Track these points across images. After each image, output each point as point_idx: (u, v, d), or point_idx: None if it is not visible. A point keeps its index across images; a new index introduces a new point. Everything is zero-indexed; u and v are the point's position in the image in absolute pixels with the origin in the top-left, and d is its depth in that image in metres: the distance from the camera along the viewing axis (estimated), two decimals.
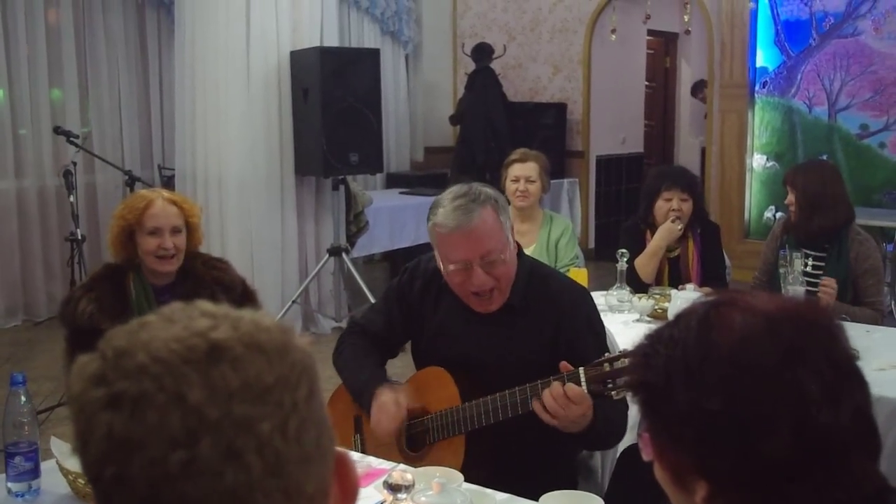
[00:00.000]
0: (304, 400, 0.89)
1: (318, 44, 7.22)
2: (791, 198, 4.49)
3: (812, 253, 4.34)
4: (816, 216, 4.32)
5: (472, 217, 2.69)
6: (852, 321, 4.06)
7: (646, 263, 4.61)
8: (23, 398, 2.45)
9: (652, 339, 1.31)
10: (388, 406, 2.75)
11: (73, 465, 2.37)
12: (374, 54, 7.52)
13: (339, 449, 0.97)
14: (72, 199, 6.41)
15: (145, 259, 3.17)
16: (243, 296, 3.31)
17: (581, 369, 2.47)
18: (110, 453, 0.84)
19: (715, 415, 1.17)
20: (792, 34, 8.81)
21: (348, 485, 0.98)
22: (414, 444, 2.88)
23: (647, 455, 1.31)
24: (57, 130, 6.84)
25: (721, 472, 1.19)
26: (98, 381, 0.86)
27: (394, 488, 2.12)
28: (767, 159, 9.13)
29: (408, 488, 2.10)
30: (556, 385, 2.47)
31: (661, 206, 4.60)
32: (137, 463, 0.83)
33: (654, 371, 1.25)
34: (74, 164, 6.73)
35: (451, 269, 2.74)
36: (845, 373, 1.22)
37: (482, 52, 9.70)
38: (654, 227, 4.70)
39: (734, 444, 1.17)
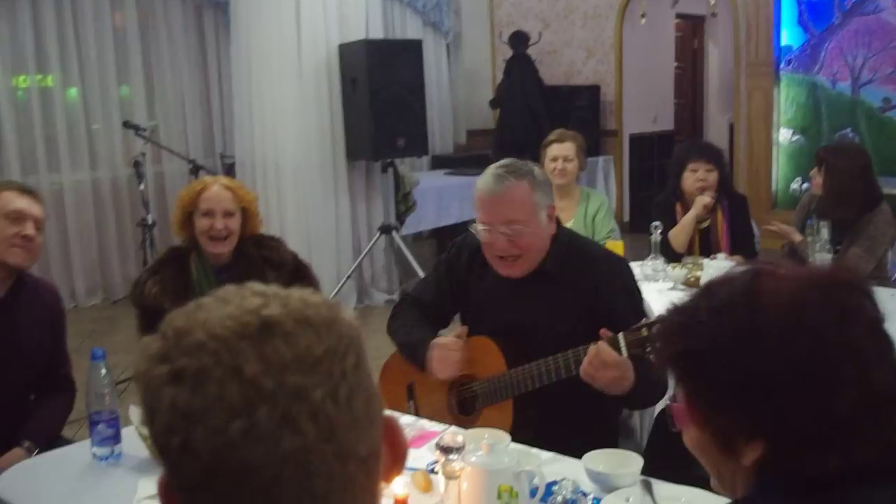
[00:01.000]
0: (352, 369, 0.89)
1: (364, 37, 7.22)
2: (816, 173, 4.45)
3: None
4: (839, 208, 4.29)
5: (502, 185, 2.73)
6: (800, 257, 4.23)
7: (678, 234, 4.61)
8: (103, 371, 2.49)
9: (685, 310, 1.28)
10: (449, 350, 2.79)
11: None
12: (416, 45, 7.52)
13: (388, 414, 0.97)
14: (142, 187, 6.48)
15: (200, 239, 3.20)
16: (295, 271, 3.32)
17: (620, 334, 2.45)
18: (175, 424, 0.85)
19: (781, 375, 1.15)
20: (815, 13, 8.68)
21: (398, 447, 0.98)
22: (464, 408, 2.90)
23: (680, 424, 1.29)
24: (126, 125, 6.91)
25: (786, 429, 1.16)
26: (161, 358, 0.87)
27: (445, 450, 2.13)
28: (793, 133, 9.03)
29: (458, 449, 2.10)
30: (591, 348, 2.46)
31: (687, 177, 4.60)
32: (200, 432, 0.83)
33: (697, 339, 1.22)
34: (143, 155, 6.80)
35: (480, 230, 2.78)
36: (884, 332, 1.22)
37: (519, 40, 9.66)
38: (683, 200, 4.69)
39: (803, 402, 1.15)
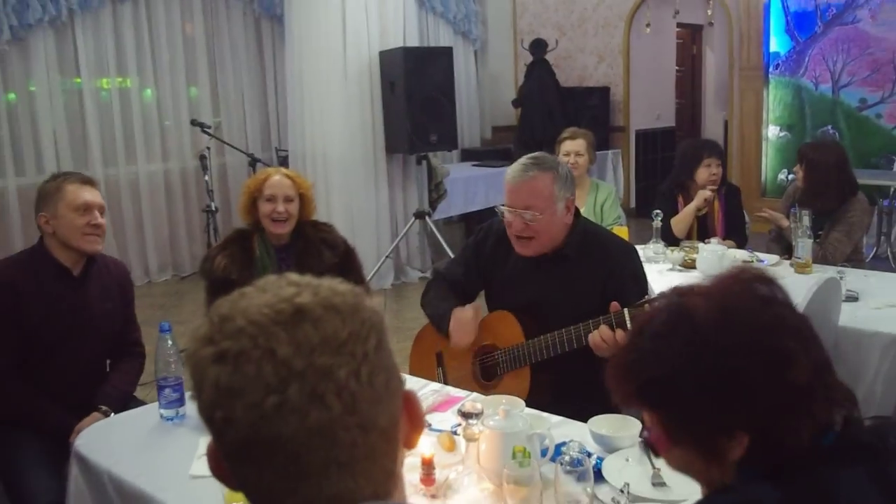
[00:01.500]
0: (373, 350, 0.89)
1: (401, 44, 7.19)
2: (798, 168, 4.39)
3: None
4: (820, 199, 4.23)
5: (525, 175, 2.74)
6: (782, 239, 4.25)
7: (679, 221, 4.59)
8: (169, 342, 2.50)
9: (626, 350, 1.23)
10: (465, 316, 2.80)
11: None
12: (447, 51, 7.47)
13: (407, 389, 0.97)
14: (207, 177, 6.52)
15: (263, 221, 3.19)
16: (345, 253, 3.32)
17: (625, 309, 2.47)
18: (218, 399, 0.86)
19: (743, 369, 1.12)
20: (800, 23, 8.58)
21: (415, 417, 0.98)
22: (487, 375, 2.89)
23: (663, 450, 1.24)
24: (193, 122, 6.93)
25: (762, 412, 1.12)
26: (207, 341, 0.88)
27: (466, 415, 2.13)
28: (780, 130, 8.95)
29: (478, 415, 2.10)
30: (605, 330, 2.48)
31: (702, 171, 4.57)
32: (240, 406, 0.84)
33: (653, 366, 1.18)
34: (208, 149, 6.83)
35: (503, 210, 2.79)
36: (797, 308, 1.21)
37: (538, 46, 9.58)
38: (685, 191, 4.65)
39: (769, 384, 1.12)
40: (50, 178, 2.96)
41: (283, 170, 3.34)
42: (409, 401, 0.97)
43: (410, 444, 0.99)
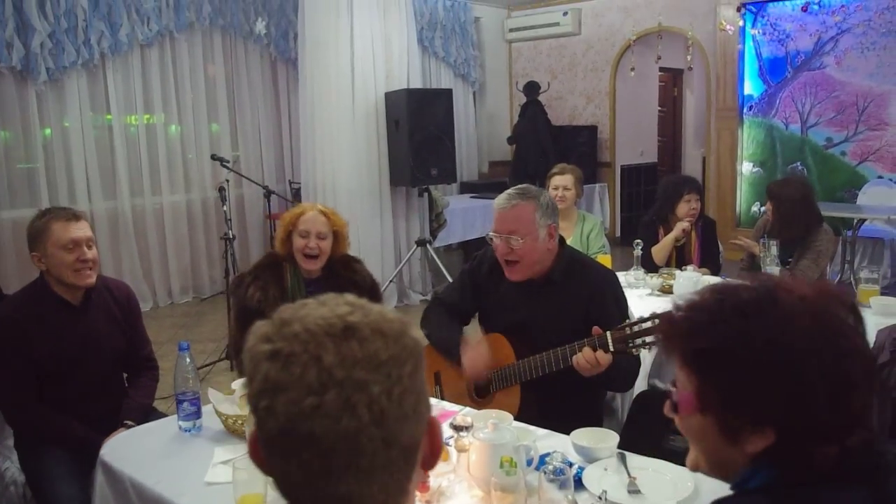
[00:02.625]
0: (408, 374, 0.92)
1: (405, 86, 7.24)
2: (769, 205, 4.42)
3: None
4: (788, 230, 4.26)
5: (511, 203, 2.77)
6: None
7: (659, 250, 4.62)
8: (187, 359, 2.52)
9: (704, 309, 1.13)
10: (480, 352, 2.80)
11: (226, 409, 2.43)
12: (448, 92, 7.51)
13: (433, 416, 0.99)
14: (225, 208, 6.50)
15: (296, 255, 3.11)
16: (370, 291, 3.20)
17: (608, 333, 2.48)
18: (265, 391, 0.89)
19: (809, 377, 1.04)
20: (772, 68, 8.64)
21: (436, 444, 0.99)
22: (480, 392, 2.90)
23: (685, 411, 1.14)
24: (213, 157, 6.95)
25: (804, 423, 1.05)
26: (265, 339, 0.92)
27: (457, 428, 2.14)
28: (753, 166, 8.98)
29: (468, 428, 2.11)
30: (587, 351, 2.49)
31: (682, 206, 4.61)
32: (282, 401, 0.88)
33: (724, 338, 1.09)
34: (227, 181, 6.81)
35: (491, 236, 2.81)
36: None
37: (531, 88, 9.64)
38: (666, 223, 4.68)
39: (825, 400, 1.04)
40: (37, 216, 2.79)
41: (320, 206, 3.22)
42: (433, 427, 0.98)
43: (428, 467, 1.00)
